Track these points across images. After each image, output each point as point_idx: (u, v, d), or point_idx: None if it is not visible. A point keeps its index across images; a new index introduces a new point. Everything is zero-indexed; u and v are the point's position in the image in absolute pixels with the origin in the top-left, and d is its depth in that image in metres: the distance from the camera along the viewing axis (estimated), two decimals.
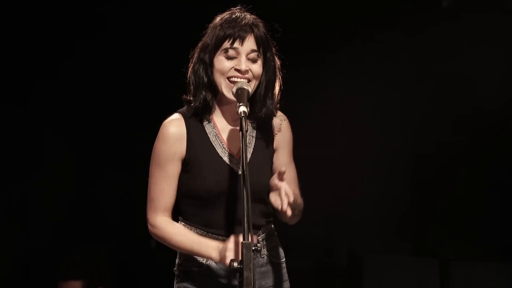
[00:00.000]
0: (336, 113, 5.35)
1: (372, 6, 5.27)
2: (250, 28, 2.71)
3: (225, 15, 2.76)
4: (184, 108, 2.81)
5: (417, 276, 5.23)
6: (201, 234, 2.75)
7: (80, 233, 5.21)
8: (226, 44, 2.70)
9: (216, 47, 2.71)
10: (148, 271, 5.41)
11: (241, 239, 2.41)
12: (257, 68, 2.72)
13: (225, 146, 2.77)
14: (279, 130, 2.86)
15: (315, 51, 5.23)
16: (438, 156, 5.35)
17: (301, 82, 5.03)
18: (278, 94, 2.83)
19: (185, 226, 2.79)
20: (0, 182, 5.11)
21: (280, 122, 2.87)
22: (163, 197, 2.76)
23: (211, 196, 2.73)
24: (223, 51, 2.71)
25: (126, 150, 5.31)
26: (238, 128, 2.61)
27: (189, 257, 2.79)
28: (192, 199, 2.77)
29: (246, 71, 2.69)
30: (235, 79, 2.69)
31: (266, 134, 2.84)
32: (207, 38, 2.75)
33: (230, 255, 2.52)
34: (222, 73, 2.70)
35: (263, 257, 2.80)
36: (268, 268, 2.80)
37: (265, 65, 2.75)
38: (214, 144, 2.77)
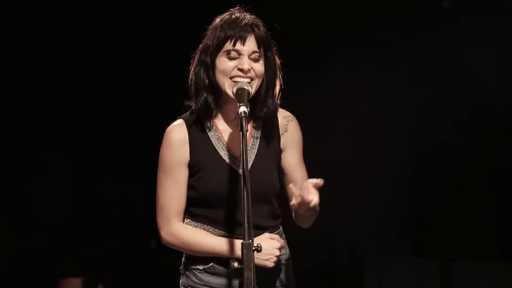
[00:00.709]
0: (337, 113, 5.35)
1: (373, 6, 5.28)
2: (250, 28, 2.72)
3: (225, 16, 2.77)
4: (187, 113, 2.82)
5: (418, 276, 5.24)
6: (208, 230, 2.77)
7: (81, 232, 5.22)
8: (228, 46, 2.71)
9: (217, 48, 2.72)
10: (149, 270, 5.41)
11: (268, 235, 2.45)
12: (259, 67, 2.73)
13: (227, 149, 2.78)
14: (286, 130, 2.87)
15: (315, 51, 5.24)
16: (438, 156, 5.35)
17: (301, 82, 5.04)
18: (278, 94, 2.84)
19: (191, 224, 2.80)
20: (0, 182, 5.11)
21: (287, 122, 2.87)
22: (174, 204, 2.76)
23: (215, 198, 2.74)
24: (225, 53, 2.71)
25: (126, 150, 5.31)
26: (238, 129, 2.61)
27: (195, 256, 2.80)
28: (197, 201, 2.78)
29: (249, 70, 2.70)
30: (238, 79, 2.70)
31: (270, 135, 2.85)
32: (208, 39, 2.76)
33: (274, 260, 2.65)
34: (225, 73, 2.71)
35: None
36: (273, 269, 2.80)
37: (266, 65, 2.76)
38: (216, 147, 2.78)
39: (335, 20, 5.42)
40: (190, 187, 2.78)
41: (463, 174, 5.30)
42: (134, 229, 5.32)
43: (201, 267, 2.79)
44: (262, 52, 2.74)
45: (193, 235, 2.76)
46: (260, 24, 2.76)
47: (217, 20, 2.78)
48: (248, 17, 2.75)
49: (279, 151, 2.85)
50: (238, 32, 2.70)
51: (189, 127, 2.78)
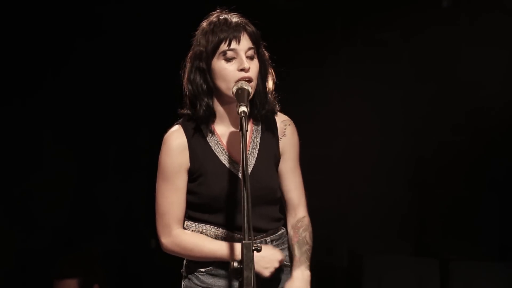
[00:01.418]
0: (336, 113, 5.35)
1: (372, 6, 5.27)
2: (242, 27, 2.73)
3: (212, 19, 2.76)
4: (183, 118, 2.81)
5: (417, 276, 5.23)
6: (210, 230, 2.77)
7: (81, 232, 5.22)
8: (223, 47, 2.70)
9: (213, 52, 2.71)
10: (148, 270, 5.41)
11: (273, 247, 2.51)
12: (255, 66, 2.74)
13: (227, 153, 2.78)
14: (284, 135, 2.86)
15: (315, 51, 5.23)
16: (438, 156, 5.34)
17: (301, 82, 5.04)
18: (272, 88, 2.84)
19: (191, 225, 2.80)
20: (0, 182, 5.11)
21: (285, 126, 2.87)
22: (174, 210, 2.76)
23: (217, 203, 2.74)
24: (221, 54, 2.71)
25: (126, 150, 5.31)
26: (238, 131, 2.62)
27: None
28: (198, 206, 2.78)
29: (249, 69, 2.70)
30: (243, 82, 2.69)
31: (270, 139, 2.85)
32: (198, 45, 2.75)
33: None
34: (227, 78, 2.70)
35: None
36: (275, 271, 2.80)
37: (259, 61, 2.77)
38: (216, 152, 2.77)
39: (335, 20, 5.42)
40: (190, 192, 2.77)
41: (463, 174, 5.29)
42: (133, 229, 5.31)
43: (203, 270, 2.79)
44: (256, 49, 2.75)
45: (194, 241, 2.75)
46: (248, 22, 2.77)
47: (204, 24, 2.77)
48: (235, 16, 2.76)
49: (278, 155, 2.85)
50: (231, 33, 2.70)
51: (187, 133, 2.77)
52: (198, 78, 2.75)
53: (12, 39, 5.07)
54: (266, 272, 2.69)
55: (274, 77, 2.85)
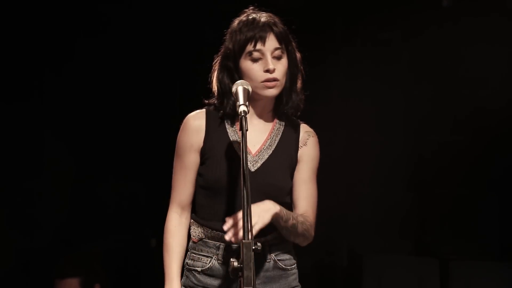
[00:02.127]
0: (336, 113, 5.35)
1: (372, 6, 5.28)
2: (269, 27, 2.75)
3: (242, 18, 2.80)
4: (212, 106, 2.84)
5: (417, 276, 5.23)
6: (206, 232, 2.79)
7: (81, 232, 5.22)
8: (249, 47, 2.73)
9: (239, 51, 2.74)
10: (148, 270, 5.41)
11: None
12: (282, 67, 2.76)
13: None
14: (305, 144, 2.88)
15: (315, 51, 5.22)
16: (438, 156, 5.35)
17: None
18: (301, 87, 2.87)
19: (193, 224, 2.82)
20: (0, 182, 5.12)
21: (307, 136, 2.89)
22: (179, 188, 2.82)
23: (220, 188, 2.75)
24: (247, 54, 2.73)
25: (126, 150, 5.32)
26: (260, 129, 2.71)
27: (194, 257, 2.83)
28: (203, 190, 2.80)
29: (274, 70, 2.72)
30: (268, 83, 2.72)
31: (290, 141, 2.86)
32: (228, 44, 2.78)
33: None
34: (254, 78, 2.72)
35: (269, 261, 2.81)
36: (274, 273, 2.82)
37: (288, 59, 2.79)
38: (231, 140, 2.79)
39: (335, 19, 5.42)
40: (199, 174, 2.81)
41: (463, 174, 5.30)
42: (134, 229, 5.31)
43: (199, 269, 2.81)
44: (284, 48, 2.76)
45: (168, 242, 2.87)
46: (277, 21, 2.79)
47: (235, 23, 2.80)
48: (264, 16, 2.78)
49: (295, 159, 2.86)
50: (257, 33, 2.73)
51: (208, 117, 2.81)
52: (225, 78, 2.79)
53: (14, 37, 5.08)
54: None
55: (304, 76, 2.87)
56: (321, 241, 5.42)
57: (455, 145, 5.30)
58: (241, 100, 2.61)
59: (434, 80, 5.33)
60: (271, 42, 2.74)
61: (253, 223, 2.49)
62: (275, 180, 2.79)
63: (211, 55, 2.87)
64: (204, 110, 2.83)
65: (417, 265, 5.29)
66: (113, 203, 5.41)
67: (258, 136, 2.80)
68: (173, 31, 5.10)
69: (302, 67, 2.87)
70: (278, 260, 2.83)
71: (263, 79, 2.71)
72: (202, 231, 2.81)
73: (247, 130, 2.55)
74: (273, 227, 2.79)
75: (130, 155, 5.30)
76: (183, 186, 2.80)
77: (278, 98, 2.79)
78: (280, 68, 2.74)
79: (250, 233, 2.39)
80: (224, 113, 2.80)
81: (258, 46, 2.72)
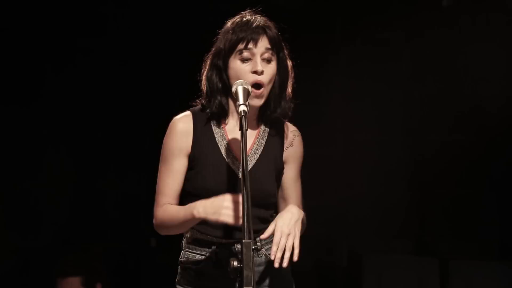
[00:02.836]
0: (336, 113, 5.35)
1: (372, 6, 5.28)
2: (262, 29, 2.74)
3: (236, 19, 2.79)
4: (198, 107, 2.83)
5: (417, 275, 5.24)
6: (197, 235, 2.79)
7: (81, 231, 5.22)
8: (240, 46, 2.73)
9: (230, 50, 2.74)
10: (148, 269, 5.42)
11: (239, 198, 2.47)
12: (270, 70, 2.75)
13: (230, 148, 2.79)
14: (291, 145, 2.88)
15: (315, 51, 5.24)
16: (438, 156, 5.35)
17: (301, 82, 5.04)
18: (291, 94, 2.86)
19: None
20: (1, 181, 5.12)
21: (293, 137, 2.89)
22: (166, 191, 2.78)
23: (210, 196, 2.71)
24: (237, 53, 2.73)
25: (126, 149, 5.32)
26: (249, 130, 2.67)
27: (188, 255, 2.82)
28: (192, 197, 2.77)
29: (262, 72, 2.72)
30: (255, 91, 2.71)
31: (276, 144, 2.86)
32: (220, 43, 2.78)
33: (226, 213, 2.54)
34: (241, 78, 2.71)
35: (261, 256, 2.81)
36: (266, 267, 2.81)
37: (278, 65, 2.78)
38: (219, 145, 2.79)
39: (335, 19, 5.42)
40: (187, 180, 2.79)
41: (463, 174, 5.30)
42: (133, 228, 5.32)
43: (193, 267, 2.81)
44: (275, 53, 2.76)
45: (165, 209, 2.75)
46: (272, 25, 2.78)
47: (229, 23, 2.80)
48: (259, 19, 2.78)
49: (280, 162, 2.86)
50: (249, 34, 2.72)
51: (195, 120, 2.79)
52: (214, 76, 2.78)
53: (14, 38, 5.08)
54: (215, 216, 2.56)
55: (294, 83, 2.86)
56: (321, 240, 5.45)
57: (455, 145, 5.30)
58: (241, 99, 2.60)
59: (434, 80, 5.33)
60: (263, 45, 2.73)
61: (291, 241, 2.59)
62: (263, 185, 2.79)
63: None
64: (190, 113, 2.81)
65: (417, 265, 5.29)
66: (113, 202, 5.41)
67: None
68: (173, 32, 5.11)
69: (293, 75, 2.85)
70: (268, 254, 2.82)
71: (250, 80, 2.70)
72: (195, 231, 2.81)
73: (247, 130, 2.54)
74: (261, 227, 2.79)
75: (130, 155, 5.30)
76: (171, 188, 2.78)
77: (265, 103, 2.77)
78: (268, 71, 2.74)
79: (249, 233, 2.39)
80: (210, 112, 2.78)
81: (249, 46, 2.72)
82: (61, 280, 4.53)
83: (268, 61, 2.74)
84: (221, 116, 2.80)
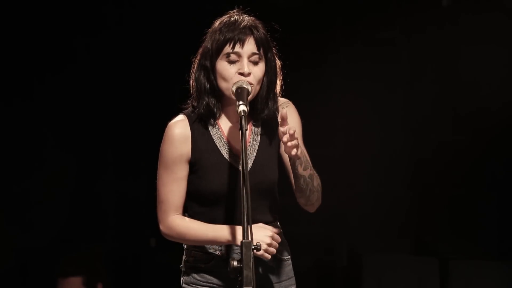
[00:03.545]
0: (336, 113, 5.35)
1: (372, 5, 5.28)
2: (249, 30, 2.72)
3: (224, 19, 2.77)
4: (189, 109, 2.82)
5: (417, 275, 5.24)
6: None
7: (81, 231, 5.22)
8: (227, 49, 2.71)
9: (217, 52, 2.72)
10: (148, 269, 5.42)
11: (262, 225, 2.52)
12: (258, 71, 2.73)
13: (229, 147, 2.78)
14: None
15: (315, 51, 5.24)
16: (438, 156, 5.35)
17: (301, 82, 5.03)
18: (279, 95, 2.84)
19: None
20: (1, 181, 5.12)
21: (283, 109, 2.84)
22: (173, 198, 2.77)
23: (216, 197, 2.75)
24: (224, 56, 2.71)
25: (126, 149, 5.32)
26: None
27: (196, 254, 2.81)
28: (198, 199, 2.78)
29: (249, 74, 2.70)
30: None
31: (271, 130, 2.84)
32: (207, 43, 2.76)
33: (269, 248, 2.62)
34: (227, 79, 2.71)
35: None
36: (273, 264, 2.81)
37: (266, 66, 2.76)
38: (218, 146, 2.78)
39: (335, 19, 5.42)
40: (190, 184, 2.78)
41: (462, 173, 5.30)
42: (133, 228, 5.32)
43: (203, 265, 2.80)
44: (262, 54, 2.74)
45: (188, 225, 2.76)
46: (259, 25, 2.76)
47: (216, 23, 2.77)
48: (247, 19, 2.75)
49: (278, 146, 2.85)
50: (236, 35, 2.70)
51: (191, 124, 2.78)
52: (202, 76, 2.76)
53: (14, 37, 5.08)
54: (258, 252, 2.58)
55: (282, 84, 2.84)
56: (321, 240, 5.46)
57: (455, 145, 5.30)
58: (241, 100, 2.60)
59: (434, 80, 5.33)
60: (250, 46, 2.71)
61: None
62: (267, 176, 2.78)
63: None
64: (184, 117, 2.79)
65: (417, 265, 5.29)
66: (113, 202, 5.41)
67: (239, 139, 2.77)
68: (173, 32, 5.11)
69: (281, 75, 2.83)
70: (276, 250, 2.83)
71: (235, 81, 2.68)
72: None
73: (246, 130, 2.54)
74: (270, 218, 2.80)
75: (130, 154, 5.30)
76: (177, 194, 2.76)
77: (252, 104, 2.75)
78: (256, 72, 2.71)
79: (249, 233, 2.40)
80: (199, 112, 2.77)
81: (236, 48, 2.70)
82: (62, 280, 4.53)
83: (255, 63, 2.72)
84: (210, 117, 2.78)
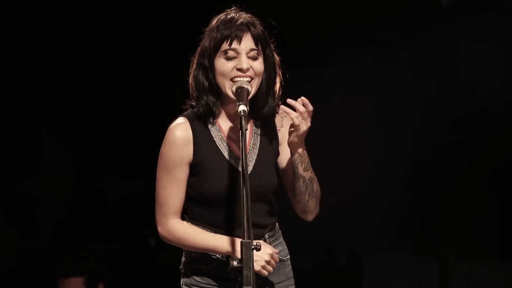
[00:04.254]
0: (336, 113, 5.35)
1: (372, 5, 5.28)
2: (246, 27, 2.73)
3: (221, 16, 2.77)
4: (189, 111, 2.82)
5: (417, 275, 5.24)
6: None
7: (81, 231, 5.23)
8: (225, 46, 2.71)
9: (215, 49, 2.72)
10: (148, 269, 5.42)
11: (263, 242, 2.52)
12: (258, 65, 2.73)
13: (231, 149, 2.78)
14: (282, 126, 2.87)
15: (315, 51, 5.24)
16: (437, 156, 5.35)
17: (301, 82, 5.03)
18: (279, 91, 2.84)
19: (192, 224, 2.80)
20: (0, 181, 5.12)
21: (282, 118, 2.87)
22: (172, 201, 2.76)
23: (219, 199, 2.75)
24: (222, 53, 2.72)
25: (126, 149, 5.32)
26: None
27: (197, 256, 2.81)
28: (199, 202, 2.78)
29: (248, 69, 2.70)
30: (238, 79, 2.70)
31: (270, 133, 2.85)
32: (205, 42, 2.76)
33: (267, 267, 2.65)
34: (225, 74, 2.71)
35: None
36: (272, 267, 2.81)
37: (265, 62, 2.76)
38: (220, 148, 2.78)
39: (335, 19, 5.42)
40: (191, 186, 2.78)
41: (462, 173, 5.30)
42: (133, 228, 5.32)
43: (203, 267, 2.80)
44: (260, 50, 2.74)
45: (188, 231, 2.76)
46: (257, 22, 2.76)
47: (213, 21, 2.78)
48: (244, 16, 2.76)
49: (277, 148, 2.86)
50: (234, 32, 2.71)
51: (192, 126, 2.77)
52: (200, 75, 2.76)
53: (14, 39, 5.08)
54: (256, 267, 2.61)
55: (282, 81, 2.84)
56: (321, 240, 5.46)
57: (455, 145, 5.30)
58: (241, 99, 2.60)
59: (434, 80, 5.33)
60: (247, 42, 2.71)
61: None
62: (268, 178, 2.79)
63: None
64: (185, 119, 2.78)
65: (417, 265, 5.29)
66: (113, 202, 5.41)
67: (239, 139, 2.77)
68: (172, 32, 5.11)
69: (280, 71, 2.83)
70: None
71: (233, 76, 2.69)
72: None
73: (246, 129, 2.55)
74: (269, 220, 2.80)
75: (130, 154, 5.30)
76: (177, 197, 2.76)
77: (253, 101, 2.75)
78: (255, 66, 2.72)
79: (249, 233, 2.40)
80: (198, 112, 2.76)
81: (234, 45, 2.70)
82: (63, 280, 4.54)
83: (254, 59, 2.73)
84: (209, 116, 2.77)
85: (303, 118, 2.67)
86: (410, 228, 5.43)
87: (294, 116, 2.66)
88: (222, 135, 2.79)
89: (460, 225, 5.31)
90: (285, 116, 2.86)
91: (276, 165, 2.87)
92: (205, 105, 2.76)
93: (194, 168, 2.76)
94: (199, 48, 2.79)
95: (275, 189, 2.84)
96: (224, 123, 2.81)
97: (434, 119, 5.36)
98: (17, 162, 5.15)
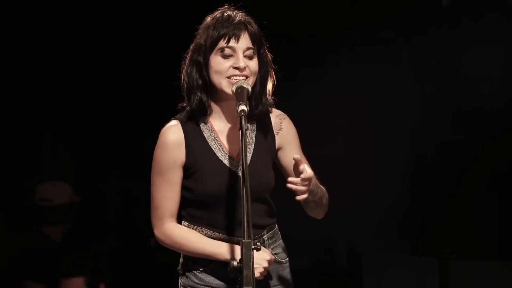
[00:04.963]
0: (336, 113, 5.35)
1: (372, 6, 5.28)
2: (244, 25, 2.72)
3: (216, 14, 2.76)
4: (181, 114, 2.81)
5: (417, 275, 5.24)
6: (206, 234, 2.77)
7: (81, 231, 5.22)
8: (222, 43, 2.70)
9: (211, 47, 2.72)
10: (148, 269, 5.42)
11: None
12: (253, 64, 2.73)
13: (224, 149, 2.78)
14: (280, 129, 2.86)
15: (315, 51, 5.24)
16: (437, 155, 5.35)
17: (301, 82, 5.05)
18: (271, 90, 2.84)
19: (189, 226, 2.80)
20: (0, 181, 5.12)
21: (280, 121, 2.87)
22: (167, 204, 2.76)
23: (213, 200, 2.74)
24: (219, 51, 2.71)
25: (126, 149, 5.32)
26: (236, 128, 2.62)
27: (194, 256, 2.80)
28: (194, 203, 2.78)
29: (245, 68, 2.70)
30: (235, 78, 2.69)
31: (265, 134, 2.84)
32: (200, 39, 2.75)
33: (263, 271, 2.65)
34: (221, 73, 2.70)
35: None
36: (271, 268, 2.80)
37: (259, 61, 2.76)
38: (213, 148, 2.77)
39: (335, 19, 5.42)
40: (186, 188, 2.77)
41: (462, 173, 5.30)
42: (133, 228, 5.32)
43: (201, 268, 2.80)
44: (256, 49, 2.74)
45: (185, 236, 2.76)
46: (252, 21, 2.76)
47: (208, 19, 2.77)
48: (240, 14, 2.76)
49: (274, 150, 2.85)
50: (231, 30, 2.70)
51: (184, 128, 2.76)
52: (194, 72, 2.75)
53: (14, 39, 5.08)
54: (256, 273, 2.60)
55: (275, 80, 2.84)
56: (321, 240, 5.46)
57: (455, 145, 5.30)
58: (241, 99, 2.60)
59: (434, 80, 5.34)
60: (245, 41, 2.71)
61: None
62: (263, 178, 2.78)
63: None
64: (177, 121, 2.77)
65: (417, 265, 5.29)
66: (114, 203, 5.41)
67: (235, 140, 2.76)
68: (173, 33, 5.10)
69: (273, 71, 2.83)
70: (274, 254, 2.83)
71: (230, 75, 2.69)
72: (201, 232, 2.80)
73: (246, 129, 2.54)
74: (267, 221, 2.80)
75: (130, 154, 5.30)
76: (171, 200, 2.76)
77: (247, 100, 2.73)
78: (251, 66, 2.71)
79: (249, 233, 2.40)
80: (191, 109, 2.76)
81: (231, 43, 2.70)
82: (64, 280, 4.54)
83: (250, 58, 2.72)
84: (201, 114, 2.77)
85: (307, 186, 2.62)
86: (410, 228, 5.43)
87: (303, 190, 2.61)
88: (215, 135, 2.78)
89: (460, 225, 5.32)
90: (284, 119, 2.87)
91: (282, 168, 2.87)
92: (198, 101, 2.75)
93: (188, 170, 2.76)
94: (192, 45, 2.78)
95: (272, 189, 2.83)
96: (216, 123, 2.80)
97: (434, 119, 5.36)
98: (18, 163, 5.14)
